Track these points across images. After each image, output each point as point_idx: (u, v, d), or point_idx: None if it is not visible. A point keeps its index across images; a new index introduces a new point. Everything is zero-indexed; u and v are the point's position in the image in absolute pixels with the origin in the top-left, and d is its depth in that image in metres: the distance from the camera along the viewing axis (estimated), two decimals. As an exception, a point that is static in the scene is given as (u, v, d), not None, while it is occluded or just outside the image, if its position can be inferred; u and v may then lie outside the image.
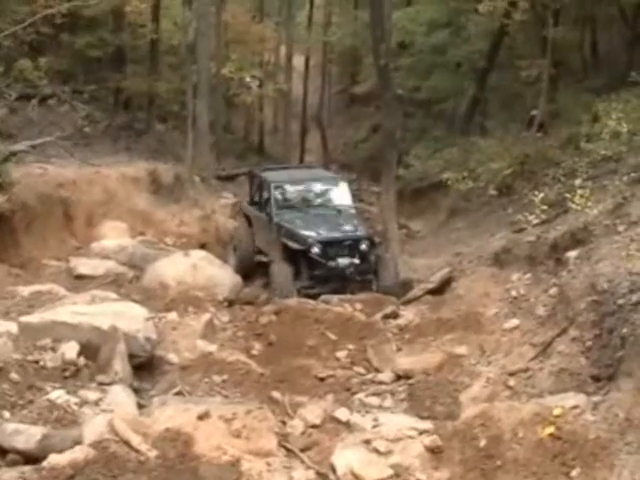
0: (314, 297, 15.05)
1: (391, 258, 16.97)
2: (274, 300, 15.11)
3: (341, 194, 18.09)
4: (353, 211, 17.87)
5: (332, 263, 15.89)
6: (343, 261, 15.91)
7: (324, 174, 21.00)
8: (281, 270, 15.96)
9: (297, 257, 16.19)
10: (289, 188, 18.17)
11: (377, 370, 12.08)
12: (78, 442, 8.12)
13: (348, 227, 17.01)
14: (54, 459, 7.64)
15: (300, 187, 18.35)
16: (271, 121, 42.62)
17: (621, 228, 11.74)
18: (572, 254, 12.31)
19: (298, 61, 40.82)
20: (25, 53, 22.28)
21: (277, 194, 17.64)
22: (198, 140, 25.60)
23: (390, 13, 28.21)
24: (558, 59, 21.24)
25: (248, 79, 28.51)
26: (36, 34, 21.91)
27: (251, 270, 17.85)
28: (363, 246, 16.09)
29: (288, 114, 39.21)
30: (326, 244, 16.03)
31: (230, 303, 15.41)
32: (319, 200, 18.17)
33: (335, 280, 15.95)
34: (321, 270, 15.98)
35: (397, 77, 28.75)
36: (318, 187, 18.46)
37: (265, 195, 18.10)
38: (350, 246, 16.09)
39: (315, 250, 15.88)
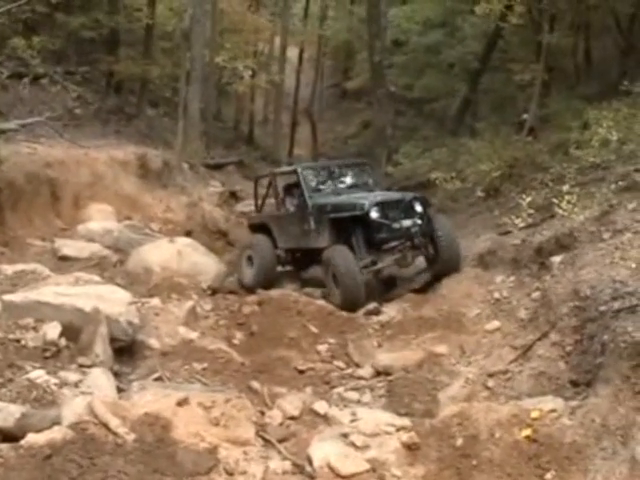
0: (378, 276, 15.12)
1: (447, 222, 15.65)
2: (258, 292, 15.15)
3: (369, 175, 17.44)
4: (381, 185, 17.33)
5: (396, 225, 14.73)
6: (406, 222, 14.81)
7: (348, 160, 20.39)
8: (341, 253, 14.63)
9: (350, 232, 14.94)
10: (317, 171, 17.38)
11: (357, 365, 12.11)
12: (56, 422, 8.12)
13: (393, 194, 16.33)
14: (32, 438, 7.62)
15: (327, 171, 17.48)
16: (262, 112, 42.74)
17: (606, 235, 11.80)
18: (556, 259, 12.36)
19: (292, 53, 40.96)
20: (19, 31, 22.22)
21: (306, 177, 16.61)
22: (188, 127, 25.65)
23: (386, 10, 28.43)
24: (551, 64, 21.29)
25: (241, 68, 28.47)
26: (31, 12, 21.87)
27: (273, 280, 16.54)
28: (419, 206, 15.08)
29: (279, 106, 39.31)
30: (385, 205, 14.86)
31: (213, 291, 15.41)
32: (349, 181, 17.20)
33: (399, 245, 14.97)
34: (384, 234, 14.78)
35: (390, 74, 28.91)
36: (345, 170, 17.59)
37: (284, 189, 17.45)
38: (406, 208, 15.00)
39: (374, 213, 14.60)
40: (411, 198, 15.23)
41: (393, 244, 15.11)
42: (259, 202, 18.31)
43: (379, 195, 15.75)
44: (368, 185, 16.94)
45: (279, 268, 16.91)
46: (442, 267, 14.85)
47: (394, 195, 15.87)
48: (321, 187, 16.72)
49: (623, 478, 7.09)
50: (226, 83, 33.00)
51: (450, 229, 15.13)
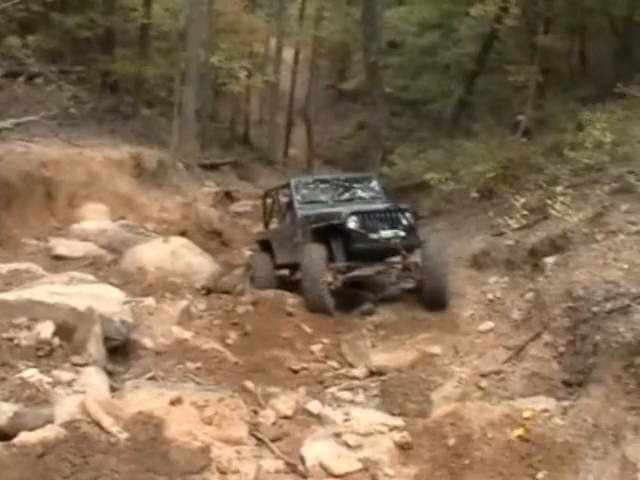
0: (355, 283, 14.40)
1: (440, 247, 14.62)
2: (252, 290, 15.12)
3: (372, 188, 16.83)
4: (385, 198, 16.34)
5: (374, 235, 14.22)
6: (386, 233, 14.29)
7: (353, 174, 19.52)
8: (312, 249, 14.15)
9: (330, 239, 14.37)
10: (312, 183, 17.09)
11: (351, 365, 12.10)
12: (49, 421, 8.10)
13: (384, 202, 15.70)
14: (25, 437, 7.61)
15: (324, 182, 17.14)
16: (257, 113, 42.78)
17: (599, 237, 11.86)
18: (550, 260, 12.42)
19: (288, 54, 41.02)
20: (14, 30, 22.19)
21: (299, 189, 16.34)
22: (184, 127, 25.67)
23: (382, 11, 28.44)
24: (547, 66, 21.35)
25: (237, 69, 28.45)
26: (26, 11, 21.88)
27: None
28: (407, 217, 14.55)
29: (275, 106, 39.38)
30: (364, 215, 14.34)
31: (208, 291, 15.39)
32: (347, 194, 16.74)
33: (378, 256, 14.51)
34: (362, 244, 14.15)
35: (386, 75, 28.88)
36: (345, 183, 17.15)
37: (284, 204, 16.96)
38: (392, 218, 14.50)
39: (352, 223, 14.14)
40: (396, 209, 14.80)
41: (393, 259, 14.72)
42: (267, 218, 18.02)
43: (364, 205, 15.50)
44: (370, 198, 16.44)
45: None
46: (425, 301, 14.11)
47: (377, 206, 15.35)
48: (318, 200, 16.39)
49: (614, 478, 7.13)
50: (222, 83, 32.94)
51: (440, 259, 14.13)
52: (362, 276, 14.41)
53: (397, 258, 14.61)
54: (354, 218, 14.25)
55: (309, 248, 14.25)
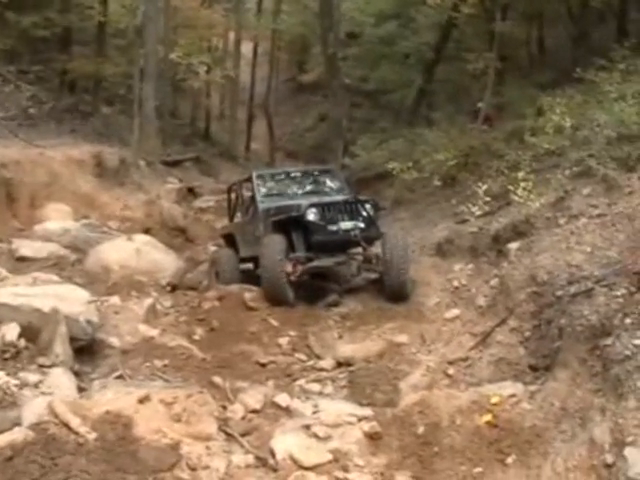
0: (315, 274, 14.31)
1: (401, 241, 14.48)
2: (217, 286, 15.08)
3: (334, 181, 16.80)
4: (348, 190, 16.25)
5: (333, 227, 14.20)
6: (346, 224, 14.26)
7: (314, 167, 19.58)
8: (271, 240, 14.08)
9: (291, 231, 14.34)
10: (274, 176, 17.10)
11: (318, 357, 12.11)
12: (17, 424, 8.05)
13: (346, 195, 15.59)
14: (-7, 440, 7.59)
15: (286, 175, 17.07)
16: (218, 107, 42.75)
17: (562, 221, 11.93)
18: (513, 246, 12.49)
19: (246, 48, 40.94)
20: (-31, 31, 22.05)
21: (260, 182, 16.29)
22: (144, 124, 25.56)
23: (339, 3, 28.46)
24: (505, 53, 21.42)
25: (196, 64, 28.37)
26: (-19, 12, 21.69)
27: None
28: (367, 209, 14.51)
29: (235, 101, 39.30)
30: (323, 207, 14.32)
31: (173, 288, 15.37)
32: (309, 187, 16.61)
33: (339, 247, 14.42)
34: (320, 236, 14.14)
35: (345, 67, 28.94)
36: (307, 176, 17.06)
37: (248, 198, 16.80)
38: (352, 210, 14.46)
39: (311, 215, 14.14)
40: (356, 201, 14.80)
41: (353, 251, 14.75)
42: (231, 212, 17.95)
43: (325, 196, 15.53)
44: (332, 190, 16.40)
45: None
46: (386, 294, 14.08)
47: (337, 197, 15.35)
48: (280, 192, 16.36)
49: (582, 460, 7.18)
50: (181, 79, 32.86)
51: (400, 252, 14.04)
52: (322, 267, 14.33)
53: (359, 250, 14.63)
54: (313, 210, 14.23)
55: (268, 239, 14.22)
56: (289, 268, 13.84)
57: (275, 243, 14.00)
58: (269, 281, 13.75)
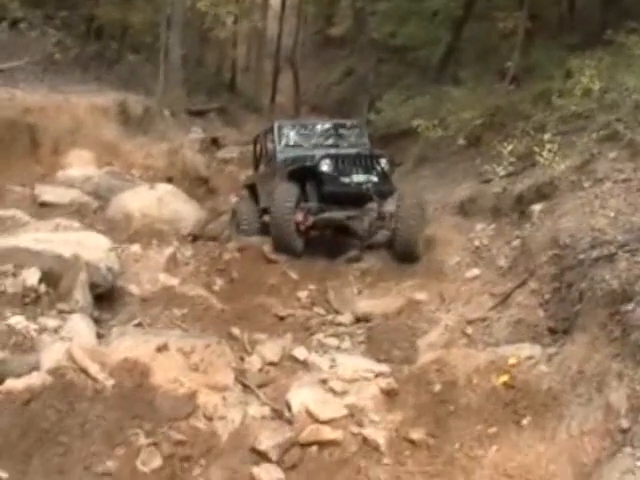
0: (336, 228, 14.45)
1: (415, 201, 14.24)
2: (238, 237, 15.10)
3: (358, 135, 16.63)
4: (370, 146, 16.20)
5: (345, 179, 14.31)
6: (358, 177, 14.38)
7: (339, 120, 18.98)
8: (284, 188, 14.19)
9: (305, 182, 14.47)
10: (295, 127, 17.00)
11: (337, 312, 12.13)
12: (36, 368, 8.13)
13: (362, 148, 15.58)
14: (11, 383, 7.65)
15: (308, 127, 17.08)
16: (244, 59, 42.42)
17: (586, 184, 11.83)
18: (536, 207, 12.43)
19: (274, 0, 40.55)
20: (-4, -26, 21.93)
21: (281, 133, 16.28)
22: (170, 73, 25.46)
23: (370, -44, 28.13)
24: (535, 13, 21.16)
25: (223, 14, 28.17)
26: (8, -45, 21.57)
27: None
28: (382, 163, 14.59)
29: (261, 53, 39.09)
30: (337, 159, 14.41)
31: (194, 238, 15.39)
32: (330, 140, 16.50)
33: (351, 200, 14.35)
34: (332, 187, 14.24)
35: (373, 22, 28.65)
36: (330, 129, 16.95)
37: (270, 145, 16.70)
38: (366, 164, 14.57)
39: (324, 167, 14.22)
40: (370, 154, 14.83)
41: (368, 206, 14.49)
42: (257, 162, 17.93)
43: (340, 149, 15.49)
44: (352, 144, 16.20)
45: None
46: (396, 253, 13.93)
47: (351, 150, 15.30)
48: (299, 144, 16.31)
49: (598, 424, 7.16)
50: (208, 29, 32.63)
51: (415, 211, 13.87)
52: (333, 219, 14.34)
53: (373, 206, 14.50)
54: (327, 161, 14.29)
55: (281, 187, 14.27)
56: (299, 217, 13.91)
57: (286, 192, 14.03)
58: (278, 229, 13.81)
